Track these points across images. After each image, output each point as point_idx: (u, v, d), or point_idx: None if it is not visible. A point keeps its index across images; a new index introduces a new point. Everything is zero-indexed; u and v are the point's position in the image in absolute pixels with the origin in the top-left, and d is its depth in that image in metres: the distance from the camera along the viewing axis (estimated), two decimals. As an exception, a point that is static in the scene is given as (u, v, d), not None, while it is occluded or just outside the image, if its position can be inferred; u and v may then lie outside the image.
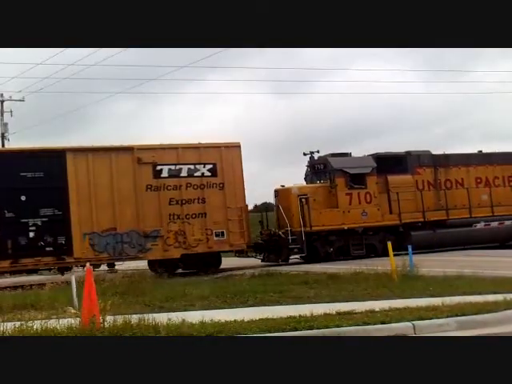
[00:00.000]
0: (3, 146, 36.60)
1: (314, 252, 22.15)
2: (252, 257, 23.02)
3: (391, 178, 23.37)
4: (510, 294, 9.90)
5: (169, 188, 20.74)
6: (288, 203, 22.46)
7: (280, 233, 22.15)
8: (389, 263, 13.71)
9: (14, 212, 18.98)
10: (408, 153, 24.27)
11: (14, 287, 18.02)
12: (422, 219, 23.54)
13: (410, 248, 15.02)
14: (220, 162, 21.44)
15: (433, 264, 16.14)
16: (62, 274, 19.85)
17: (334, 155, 23.61)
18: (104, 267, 21.47)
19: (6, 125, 38.09)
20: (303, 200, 22.17)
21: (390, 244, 14.63)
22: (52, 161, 19.70)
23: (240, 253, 22.67)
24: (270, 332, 7.81)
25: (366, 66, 73.93)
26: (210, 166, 21.32)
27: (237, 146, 21.97)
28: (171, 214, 20.63)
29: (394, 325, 8.22)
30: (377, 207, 23.00)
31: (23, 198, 19.12)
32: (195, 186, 21.04)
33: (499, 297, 9.71)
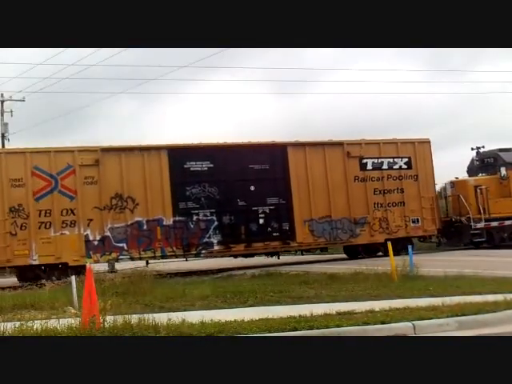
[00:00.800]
0: (3, 146, 36.60)
1: (488, 238, 24.16)
2: (434, 242, 25.04)
3: None
4: (510, 294, 9.90)
5: (373, 179, 23.03)
6: (465, 193, 24.49)
7: (463, 219, 24.17)
8: (389, 263, 13.71)
9: (245, 201, 21.14)
10: None
11: (14, 287, 18.03)
12: None
13: (410, 248, 15.05)
14: (414, 156, 23.76)
15: (433, 264, 16.14)
16: (252, 256, 22.36)
17: (501, 150, 25.51)
18: (103, 267, 21.57)
19: (6, 125, 38.05)
20: (478, 190, 24.35)
21: (389, 244, 14.67)
22: (275, 154, 21.88)
23: (427, 238, 24.58)
24: (270, 332, 7.81)
25: (367, 66, 73.93)
26: (406, 159, 23.63)
27: (427, 142, 24.35)
28: (375, 203, 22.92)
29: (394, 325, 8.22)
30: None
31: (252, 188, 21.27)
32: (394, 178, 23.36)
33: (499, 297, 9.71)
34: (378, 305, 9.51)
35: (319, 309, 9.18)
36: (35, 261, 18.88)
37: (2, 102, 38.47)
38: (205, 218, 20.70)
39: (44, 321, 8.49)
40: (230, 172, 21.11)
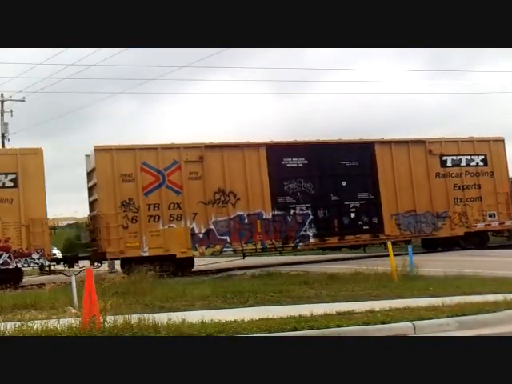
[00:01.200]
0: (3, 146, 36.59)
1: None
2: (505, 237, 26.48)
3: None
4: (510, 294, 9.90)
5: (452, 175, 24.43)
6: None
7: None
8: (389, 263, 13.70)
9: (337, 196, 22.46)
10: None
11: (15, 287, 18.02)
12: None
13: (410, 248, 15.04)
14: (489, 153, 25.12)
15: (433, 264, 16.14)
16: (339, 249, 24.10)
17: None
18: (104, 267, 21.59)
19: (6, 125, 38.04)
20: None
21: (389, 244, 14.66)
22: (363, 151, 23.10)
23: (498, 232, 26.14)
24: (270, 332, 7.82)
25: (367, 66, 74.01)
26: (482, 156, 25.03)
27: (501, 140, 25.69)
28: (455, 198, 24.31)
29: (394, 325, 8.22)
30: None
31: (344, 183, 22.57)
32: (472, 174, 24.74)
33: (499, 297, 9.71)
34: (378, 305, 9.51)
35: (319, 309, 9.18)
36: (146, 253, 19.87)
37: (2, 101, 38.46)
38: (301, 212, 21.83)
39: (44, 321, 8.48)
40: (323, 168, 22.34)
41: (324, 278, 14.42)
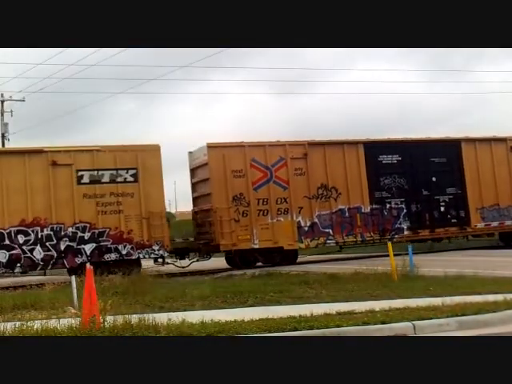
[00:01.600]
0: (3, 145, 36.58)
1: None
2: None
3: None
4: (510, 294, 9.90)
5: None
6: None
7: None
8: (389, 263, 13.70)
9: (428, 191, 23.58)
10: None
11: (14, 287, 18.04)
12: None
13: (410, 248, 15.03)
14: None
15: (433, 264, 16.14)
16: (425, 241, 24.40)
17: None
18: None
19: (6, 125, 38.04)
20: None
21: (389, 244, 14.65)
22: (451, 149, 24.28)
23: None
24: (270, 332, 7.81)
25: (368, 66, 74.04)
26: None
27: None
28: None
29: (394, 325, 8.22)
30: None
31: (434, 179, 23.72)
32: None
33: (499, 297, 9.71)
34: (378, 305, 9.51)
35: (319, 309, 9.17)
36: (256, 245, 21.03)
37: (2, 101, 38.47)
38: (396, 206, 23.06)
39: (44, 321, 8.47)
40: (415, 164, 23.43)
41: (324, 278, 14.40)
